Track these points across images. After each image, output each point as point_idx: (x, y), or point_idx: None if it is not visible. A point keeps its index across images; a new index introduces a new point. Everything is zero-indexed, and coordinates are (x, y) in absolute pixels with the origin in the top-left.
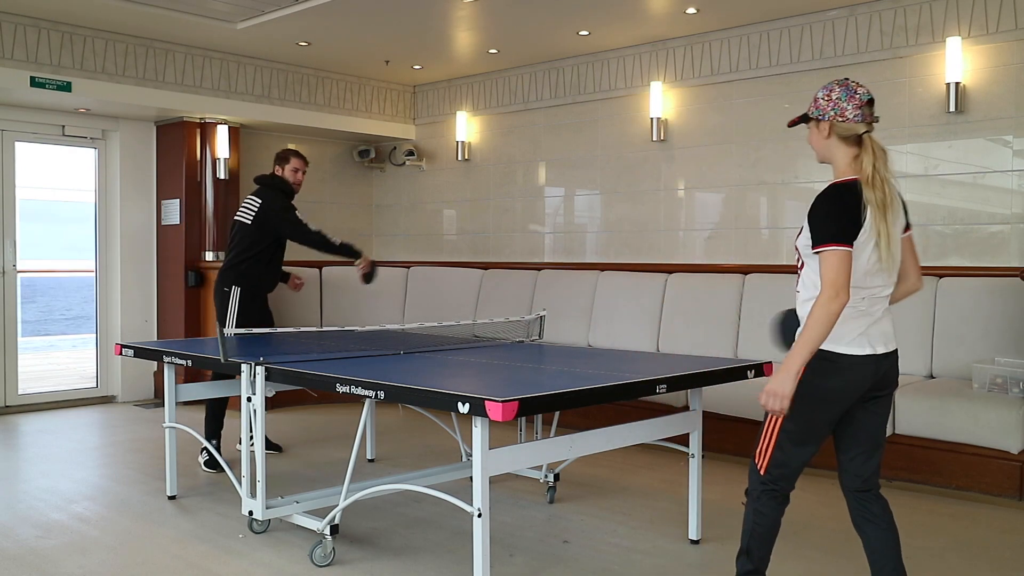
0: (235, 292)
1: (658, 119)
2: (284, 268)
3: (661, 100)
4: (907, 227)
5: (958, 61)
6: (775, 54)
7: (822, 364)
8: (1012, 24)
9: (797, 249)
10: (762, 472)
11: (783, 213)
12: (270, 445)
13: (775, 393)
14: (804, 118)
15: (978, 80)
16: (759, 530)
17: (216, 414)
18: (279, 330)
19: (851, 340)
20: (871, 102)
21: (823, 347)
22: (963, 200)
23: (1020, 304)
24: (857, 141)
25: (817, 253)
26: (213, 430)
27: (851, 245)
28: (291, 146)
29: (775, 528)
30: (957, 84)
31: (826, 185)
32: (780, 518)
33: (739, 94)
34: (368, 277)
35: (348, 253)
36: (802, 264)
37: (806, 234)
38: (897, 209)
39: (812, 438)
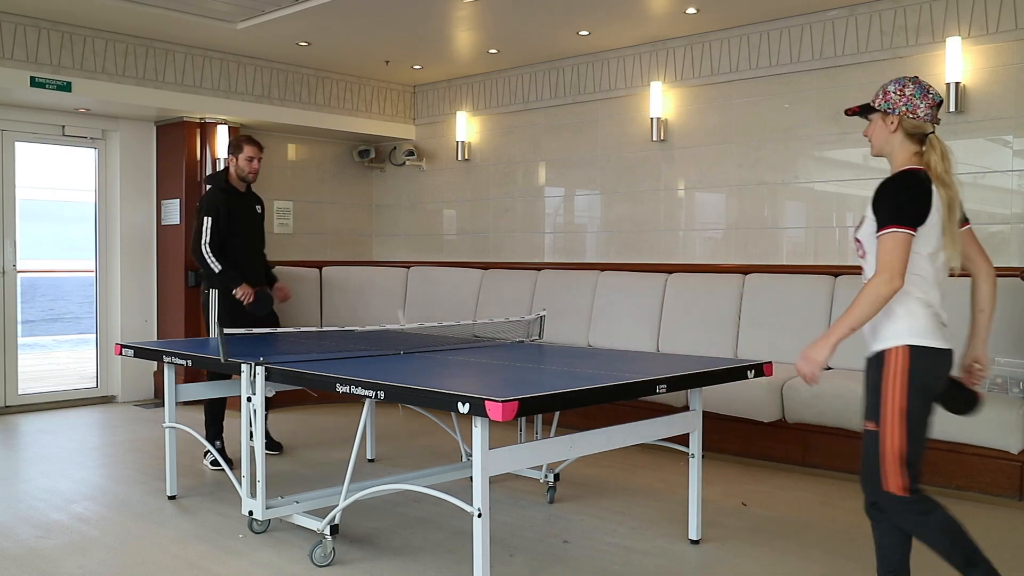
0: (213, 295)
1: (658, 119)
2: (276, 273)
3: (661, 100)
4: (965, 221)
5: (958, 61)
6: (775, 54)
7: (926, 360)
8: (1012, 24)
9: (859, 241)
10: (901, 490)
11: (783, 213)
12: (271, 445)
13: (810, 359)
14: (867, 108)
15: (978, 80)
16: (946, 542)
17: (216, 415)
18: (279, 330)
19: (941, 336)
20: (941, 104)
21: (925, 343)
22: (963, 200)
23: (1020, 304)
24: (921, 139)
25: (880, 235)
26: (215, 432)
27: (915, 230)
28: (247, 134)
29: (954, 525)
30: (957, 84)
31: (886, 177)
32: (947, 511)
33: (739, 94)
34: (255, 307)
35: (224, 280)
36: (864, 254)
37: (870, 222)
38: (957, 209)
39: (926, 432)
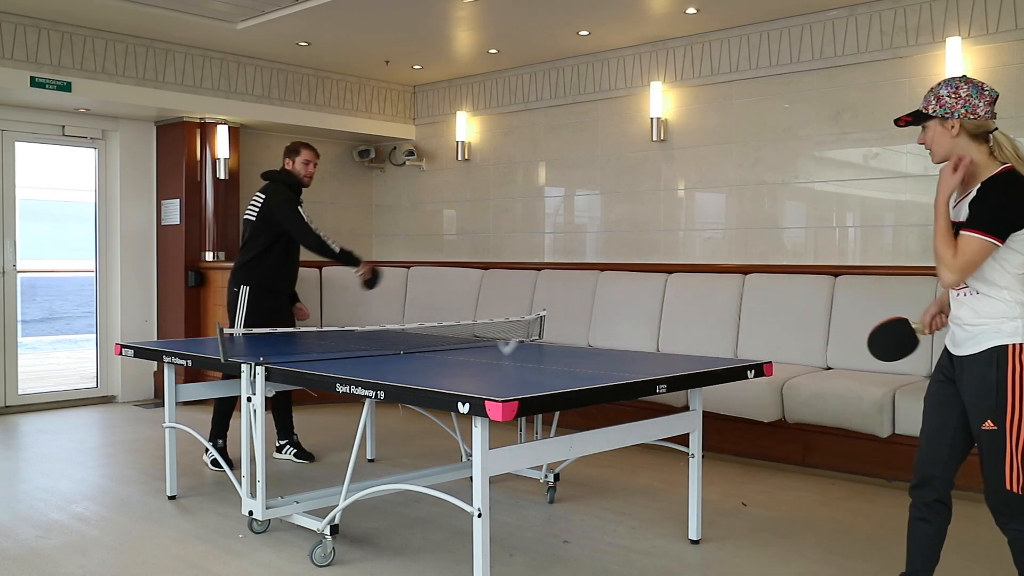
0: (243, 292)
1: (658, 119)
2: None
3: (661, 100)
4: None
5: (958, 61)
6: (775, 54)
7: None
8: (1012, 24)
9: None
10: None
11: (783, 213)
12: (302, 454)
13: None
14: (921, 116)
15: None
16: None
17: (225, 413)
18: (279, 330)
19: None
20: (998, 98)
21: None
22: None
23: None
24: (985, 137)
25: (967, 235)
26: (219, 431)
27: (1003, 241)
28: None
29: None
30: None
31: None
32: None
33: (739, 94)
34: (370, 283)
35: (347, 260)
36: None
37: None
38: None
39: None
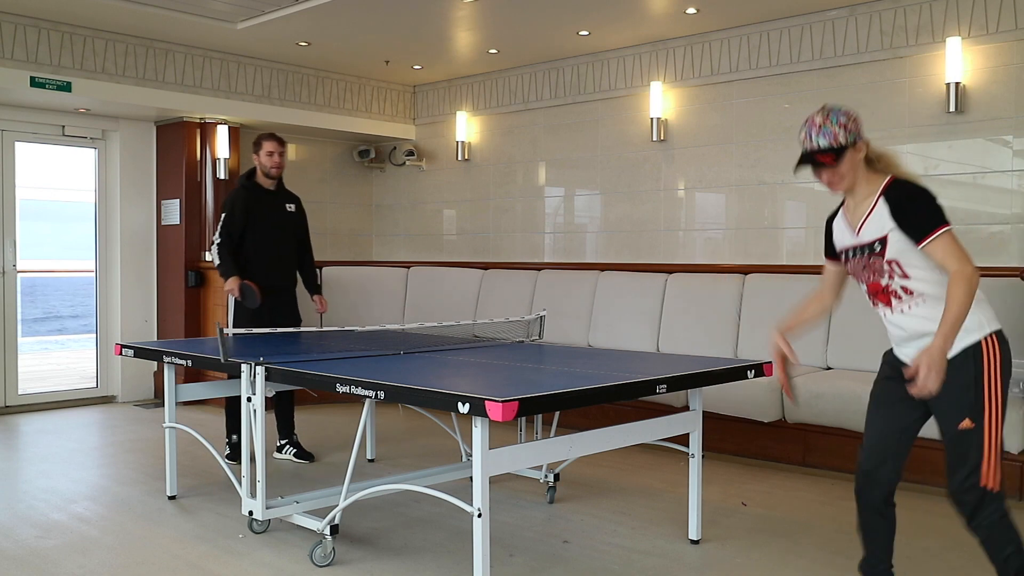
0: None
1: (658, 119)
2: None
3: (661, 100)
4: None
5: (958, 61)
6: (775, 54)
7: (1006, 343)
8: (1012, 24)
9: (892, 264)
10: (999, 487)
11: (783, 213)
12: (302, 454)
13: (939, 369)
14: (837, 151)
15: (978, 80)
16: (1014, 546)
17: (235, 409)
18: (279, 330)
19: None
20: None
21: (999, 326)
22: (963, 200)
23: (1020, 304)
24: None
25: (934, 239)
26: (233, 424)
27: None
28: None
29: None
30: (957, 84)
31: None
32: None
33: (739, 94)
34: (246, 300)
35: (220, 273)
36: (904, 273)
37: (898, 238)
38: None
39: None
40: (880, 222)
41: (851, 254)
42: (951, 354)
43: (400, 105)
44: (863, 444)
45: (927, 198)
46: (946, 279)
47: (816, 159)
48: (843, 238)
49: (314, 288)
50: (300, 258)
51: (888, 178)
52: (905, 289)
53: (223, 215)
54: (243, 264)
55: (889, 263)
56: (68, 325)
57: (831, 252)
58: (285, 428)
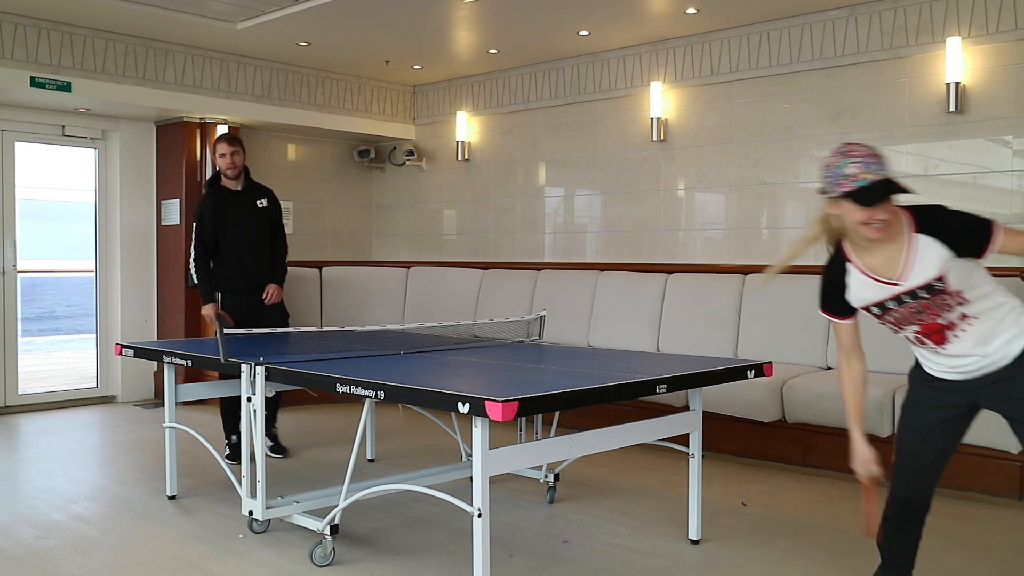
0: (217, 297)
1: (658, 119)
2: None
3: (661, 100)
4: None
5: (958, 61)
6: (775, 54)
7: None
8: (1012, 24)
9: (959, 295)
10: None
11: (783, 213)
12: (277, 448)
13: None
14: (899, 188)
15: (978, 80)
16: None
17: (232, 411)
18: (279, 330)
19: None
20: None
21: None
22: (963, 200)
23: None
24: None
25: (995, 236)
26: (232, 425)
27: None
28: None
29: None
30: (957, 84)
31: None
32: None
33: (739, 94)
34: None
35: (200, 293)
36: (961, 300)
37: (957, 264)
38: None
39: None
40: (930, 259)
41: (892, 304)
42: (1014, 355)
43: (400, 105)
44: (899, 472)
45: (948, 211)
46: (989, 286)
47: (895, 186)
48: (872, 292)
49: (277, 278)
50: (272, 248)
51: (906, 214)
52: (964, 316)
53: (194, 225)
54: (222, 270)
55: (953, 294)
56: (65, 325)
57: (845, 311)
58: (266, 421)
